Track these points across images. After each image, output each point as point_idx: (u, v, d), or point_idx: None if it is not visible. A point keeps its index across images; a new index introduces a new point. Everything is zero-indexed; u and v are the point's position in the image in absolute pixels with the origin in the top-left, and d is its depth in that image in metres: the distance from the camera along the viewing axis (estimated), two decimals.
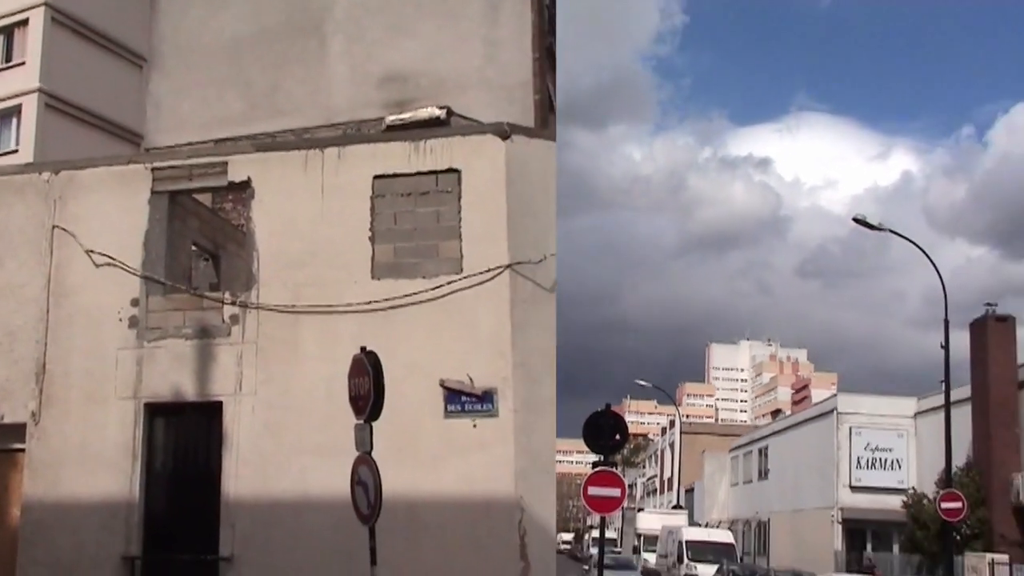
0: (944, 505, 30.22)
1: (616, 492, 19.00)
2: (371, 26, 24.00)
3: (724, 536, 47.35)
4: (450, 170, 16.58)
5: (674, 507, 66.09)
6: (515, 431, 15.50)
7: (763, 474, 58.77)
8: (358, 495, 12.40)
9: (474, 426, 15.51)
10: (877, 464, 45.55)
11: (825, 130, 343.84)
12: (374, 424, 12.44)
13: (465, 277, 16.05)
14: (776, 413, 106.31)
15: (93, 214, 17.55)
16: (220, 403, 16.29)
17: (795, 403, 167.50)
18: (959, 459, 35.63)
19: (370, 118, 20.25)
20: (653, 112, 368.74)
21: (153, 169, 17.54)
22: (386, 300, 16.02)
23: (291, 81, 24.20)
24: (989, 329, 38.21)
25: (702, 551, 42.70)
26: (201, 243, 20.34)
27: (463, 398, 15.61)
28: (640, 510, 63.26)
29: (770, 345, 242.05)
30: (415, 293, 16.03)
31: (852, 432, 45.74)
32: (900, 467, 45.08)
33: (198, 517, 16.04)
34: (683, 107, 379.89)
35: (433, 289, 16.03)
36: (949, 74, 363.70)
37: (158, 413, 16.76)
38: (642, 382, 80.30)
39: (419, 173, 16.64)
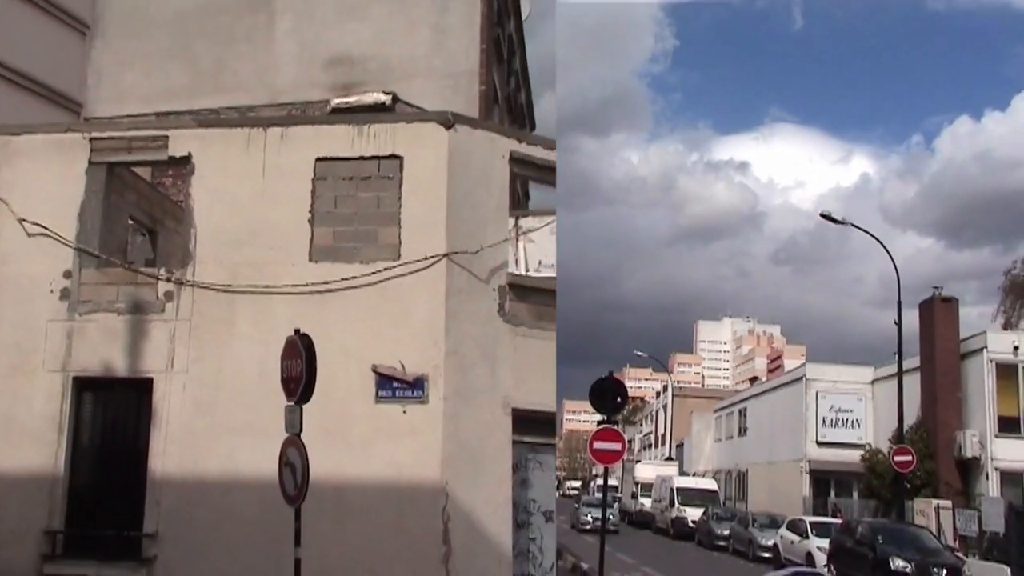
0: (897, 459, 35.61)
1: (617, 446, 21.18)
2: (321, 6, 23.88)
3: (709, 484, 54.05)
4: (392, 156, 16.64)
5: (666, 459, 74.28)
6: (444, 419, 15.64)
7: (742, 431, 63.90)
8: (285, 476, 12.46)
9: (404, 412, 15.63)
10: (839, 423, 50.07)
11: (795, 138, 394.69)
12: (305, 406, 12.51)
13: (402, 264, 16.14)
14: (754, 380, 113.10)
15: (28, 182, 17.30)
16: (151, 380, 16.21)
17: (770, 371, 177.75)
18: (910, 419, 40.16)
19: (315, 100, 20.18)
20: (648, 122, 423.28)
21: (92, 139, 17.35)
22: (323, 283, 16.06)
23: (237, 58, 24.00)
24: (936, 309, 42.70)
25: (690, 497, 48.82)
26: (138, 217, 20.21)
27: (394, 384, 15.72)
28: (637, 462, 67.94)
29: (749, 322, 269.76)
30: (352, 278, 16.09)
31: (818, 396, 50.60)
32: (859, 426, 49.60)
33: (123, 493, 15.96)
34: (673, 118, 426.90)
35: (370, 275, 16.10)
36: (902, 90, 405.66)
37: (87, 387, 16.63)
38: (639, 353, 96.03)
39: (362, 158, 16.68)
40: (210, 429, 15.84)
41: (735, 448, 64.96)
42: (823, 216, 38.21)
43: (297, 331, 12.78)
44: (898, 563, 25.59)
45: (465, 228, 16.50)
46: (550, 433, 17.41)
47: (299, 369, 12.51)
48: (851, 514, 41.04)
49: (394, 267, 16.13)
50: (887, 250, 37.40)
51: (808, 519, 35.98)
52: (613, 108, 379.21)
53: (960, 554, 29.77)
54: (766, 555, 35.81)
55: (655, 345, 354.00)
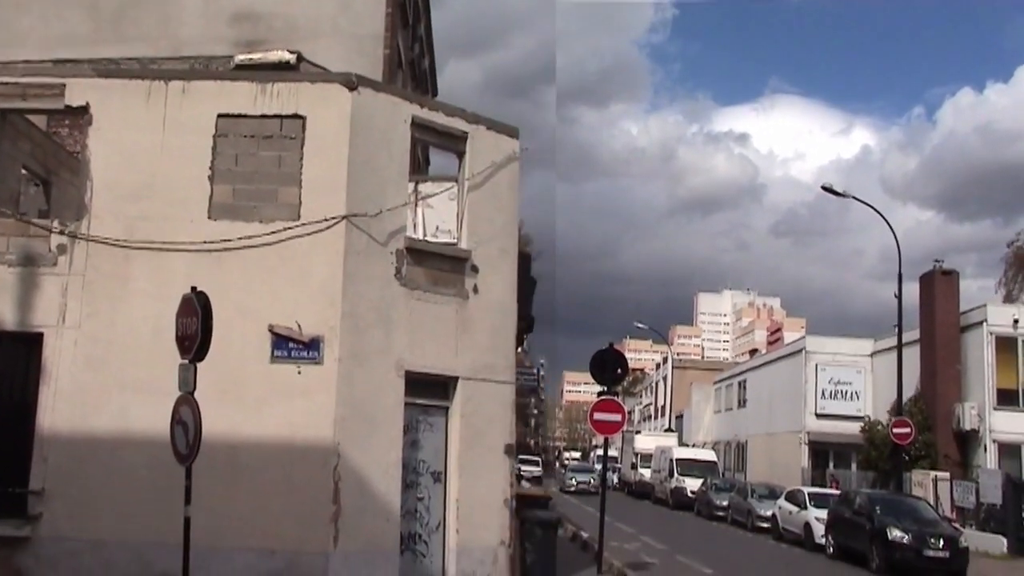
0: (895, 430, 36.38)
1: (617, 417, 21.48)
2: None
3: (708, 455, 54.77)
4: (295, 116, 16.49)
5: (666, 430, 74.75)
6: (338, 379, 15.67)
7: (742, 403, 64.61)
8: (177, 435, 12.39)
9: (299, 372, 15.61)
10: (839, 395, 50.92)
11: (795, 109, 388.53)
12: (199, 365, 12.43)
13: (302, 224, 16.05)
14: (753, 352, 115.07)
15: None
16: (41, 334, 15.86)
17: (770, 343, 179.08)
18: (909, 392, 40.49)
19: (219, 55, 19.84)
20: (648, 93, 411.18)
21: None
22: (221, 241, 15.90)
23: (140, 7, 23.38)
24: (936, 281, 42.94)
25: (689, 467, 49.67)
26: (32, 167, 19.73)
27: (290, 344, 15.67)
28: (637, 432, 68.37)
29: (749, 294, 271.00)
30: (251, 236, 15.95)
31: (818, 368, 51.33)
32: (858, 398, 50.52)
33: (9, 449, 15.62)
34: (673, 89, 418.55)
35: (269, 234, 15.98)
36: (904, 61, 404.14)
37: None
38: (639, 324, 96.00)
39: (264, 116, 16.49)
40: (101, 386, 15.62)
41: (734, 419, 65.35)
42: (824, 188, 38.07)
43: (193, 289, 12.67)
44: (895, 533, 25.83)
45: (365, 190, 16.46)
46: (442, 396, 17.51)
47: (194, 327, 12.41)
48: (849, 485, 41.28)
49: (293, 227, 16.03)
50: (888, 223, 37.19)
51: (806, 490, 35.91)
52: (612, 78, 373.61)
53: (957, 525, 30.19)
54: (764, 525, 35.94)
55: (656, 317, 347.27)
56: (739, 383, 65.99)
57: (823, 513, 30.90)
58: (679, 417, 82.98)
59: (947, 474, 36.61)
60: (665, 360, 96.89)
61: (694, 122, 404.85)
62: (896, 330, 37.82)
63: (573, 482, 60.33)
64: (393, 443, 16.28)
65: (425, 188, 19.57)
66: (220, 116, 16.47)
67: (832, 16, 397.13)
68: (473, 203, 18.03)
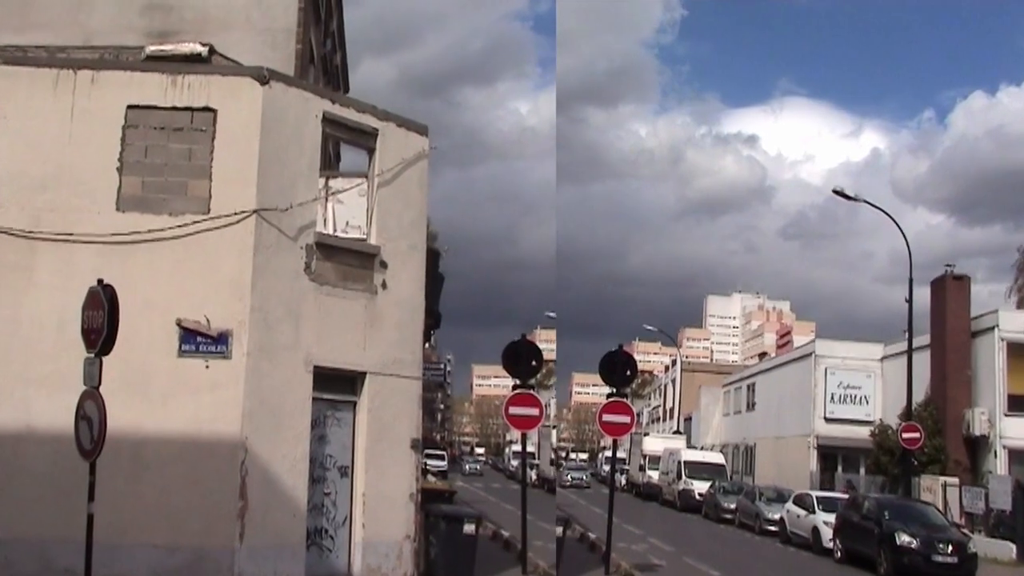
0: (905, 435, 35.48)
1: (626, 419, 21.37)
2: None
3: (716, 458, 53.59)
4: (206, 109, 16.20)
5: (674, 433, 73.06)
6: (246, 374, 15.42)
7: (751, 406, 63.93)
8: (81, 430, 12.05)
9: (207, 367, 15.32)
10: (848, 399, 50.25)
11: (805, 111, 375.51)
12: (105, 359, 12.11)
13: (212, 218, 15.76)
14: (763, 355, 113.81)
15: None
16: None
17: (779, 347, 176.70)
18: (919, 396, 39.77)
19: (130, 45, 19.31)
20: (656, 94, 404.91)
21: None
22: (129, 234, 15.53)
23: None
24: (948, 286, 42.25)
25: (698, 470, 48.45)
26: None
27: (198, 338, 15.37)
28: (646, 435, 66.61)
29: (758, 297, 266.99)
30: (160, 229, 15.61)
31: (827, 372, 50.61)
32: (868, 402, 49.79)
33: None
34: (682, 90, 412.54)
35: (178, 227, 15.65)
36: (914, 63, 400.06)
37: None
38: (648, 327, 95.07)
39: (175, 108, 16.17)
40: (3, 380, 15.11)
41: (743, 422, 64.56)
42: (836, 192, 37.53)
43: (100, 281, 12.34)
44: (904, 538, 25.33)
45: (276, 185, 16.21)
46: (350, 390, 17.35)
47: (100, 320, 12.08)
48: (858, 490, 40.51)
49: (203, 220, 15.72)
50: (899, 227, 36.65)
51: (815, 493, 35.07)
52: (620, 79, 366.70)
53: (966, 531, 29.70)
54: (772, 529, 35.33)
55: (665, 319, 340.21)
56: (748, 386, 65.24)
57: (831, 517, 30.28)
58: (688, 420, 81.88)
59: (956, 479, 36.07)
60: (674, 362, 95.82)
61: (703, 124, 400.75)
62: (907, 335, 37.27)
63: (569, 478, 67.33)
64: (301, 438, 16.07)
65: (336, 184, 19.35)
66: (130, 107, 16.10)
67: (842, 17, 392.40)
68: (383, 199, 17.88)
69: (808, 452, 50.14)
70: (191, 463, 15.06)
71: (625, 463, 62.85)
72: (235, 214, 15.77)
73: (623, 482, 60.47)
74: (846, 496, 33.64)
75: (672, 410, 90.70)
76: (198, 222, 15.68)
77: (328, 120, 17.15)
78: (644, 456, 58.71)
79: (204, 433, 15.11)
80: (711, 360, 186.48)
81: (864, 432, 46.05)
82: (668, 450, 54.71)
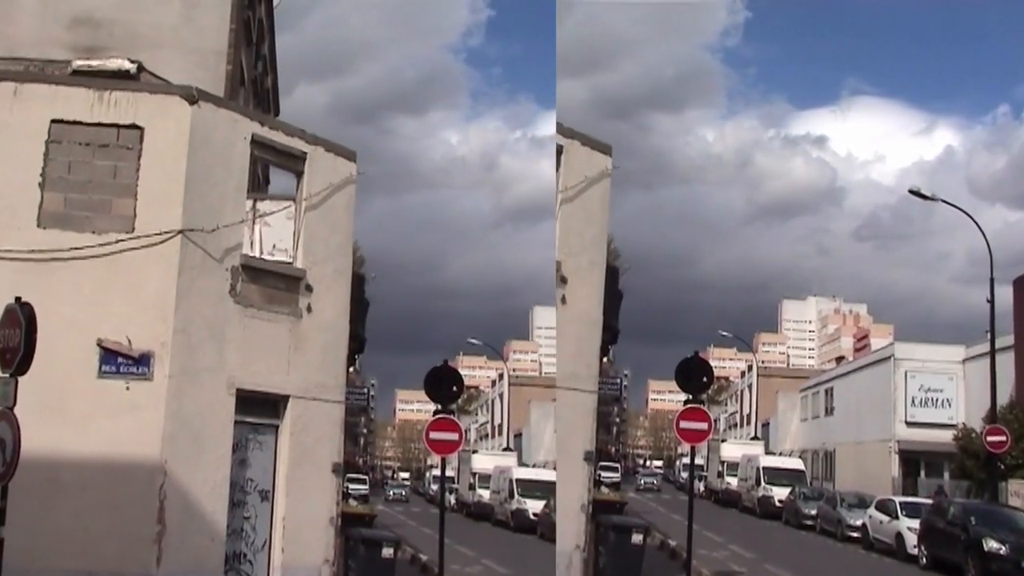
0: (990, 439, 33.75)
1: (703, 426, 20.50)
2: None
3: (796, 463, 51.60)
4: (133, 126, 15.81)
5: (752, 439, 71.16)
6: (167, 396, 15.00)
7: (829, 411, 62.05)
8: None
9: (127, 388, 14.86)
10: (929, 403, 48.87)
11: (875, 110, 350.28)
12: (21, 379, 11.59)
13: (136, 237, 15.33)
14: (840, 359, 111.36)
15: None
16: None
17: (856, 350, 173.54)
18: (1003, 399, 38.06)
19: (56, 59, 18.79)
20: (723, 98, 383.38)
21: None
22: (50, 251, 15.02)
23: None
24: None
25: (777, 476, 46.90)
26: None
27: (119, 359, 14.91)
28: (723, 441, 64.76)
29: (834, 300, 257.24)
30: (82, 247, 15.14)
31: (907, 375, 49.29)
32: (950, 406, 48.37)
33: None
34: (748, 93, 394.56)
35: (101, 245, 15.19)
36: (987, 58, 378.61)
37: None
38: (723, 332, 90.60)
39: (101, 124, 15.76)
40: None
41: (822, 427, 62.90)
42: (912, 192, 36.09)
43: (18, 299, 11.81)
44: (992, 544, 24.17)
45: (202, 205, 15.83)
46: (273, 414, 16.97)
47: (17, 339, 11.55)
48: (947, 495, 39.21)
49: (127, 239, 15.27)
50: (978, 225, 34.90)
51: (898, 499, 33.63)
52: (686, 84, 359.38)
53: None
54: (855, 535, 33.98)
55: (739, 324, 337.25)
56: (826, 391, 63.64)
57: (915, 523, 28.96)
58: (765, 425, 79.89)
59: None
60: (750, 368, 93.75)
61: (771, 127, 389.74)
62: (989, 336, 36.09)
63: (642, 483, 70.43)
64: (221, 461, 15.66)
65: (263, 206, 19.00)
66: (54, 121, 15.63)
67: (910, 13, 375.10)
68: (310, 223, 17.58)
69: (889, 457, 48.78)
70: (109, 487, 14.55)
71: (703, 470, 60.87)
72: (160, 234, 15.35)
73: (701, 489, 58.46)
74: (930, 501, 32.36)
75: (749, 416, 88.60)
76: (122, 240, 15.23)
77: (257, 142, 16.82)
78: (722, 462, 57.07)
79: (123, 456, 14.61)
80: (787, 365, 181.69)
81: (947, 436, 44.66)
82: (746, 456, 53.05)
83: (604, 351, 21.06)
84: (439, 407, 20.69)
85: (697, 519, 22.35)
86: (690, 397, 21.11)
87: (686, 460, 58.11)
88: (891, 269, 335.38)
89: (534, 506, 43.53)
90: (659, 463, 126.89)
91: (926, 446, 47.59)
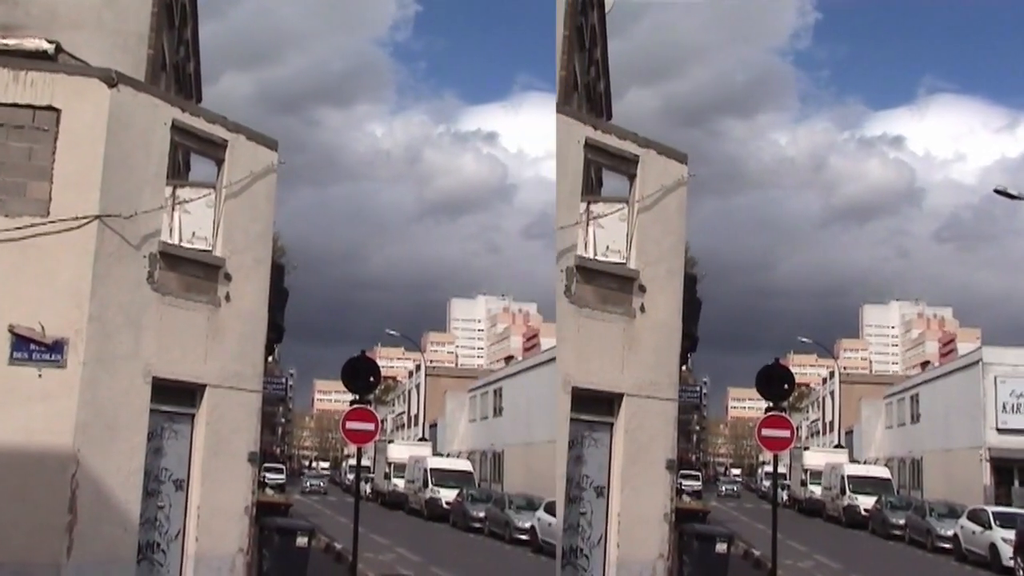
0: None
1: (786, 433, 20.62)
2: None
3: (881, 472, 50.99)
4: (49, 108, 15.36)
5: (835, 447, 69.81)
6: (81, 384, 14.67)
7: (915, 418, 60.45)
8: None
9: (39, 376, 14.50)
10: (1021, 409, 47.54)
11: (954, 108, 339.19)
12: None
13: (51, 222, 14.93)
14: (925, 364, 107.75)
15: None
16: None
17: (942, 356, 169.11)
18: None
19: None
20: (795, 101, 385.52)
21: None
22: None
23: None
24: None
25: (862, 484, 45.90)
26: None
27: (31, 346, 14.53)
28: (806, 449, 63.38)
29: (917, 304, 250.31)
30: None
31: (997, 381, 47.87)
32: None
33: None
34: (821, 96, 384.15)
35: (15, 230, 14.77)
36: None
37: None
38: (803, 339, 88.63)
39: (16, 105, 15.26)
40: None
41: (908, 435, 61.54)
42: (997, 192, 34.91)
43: None
44: None
45: (120, 191, 15.51)
46: (189, 403, 16.75)
47: None
48: None
49: (41, 224, 14.87)
50: None
51: (991, 509, 32.69)
52: (758, 88, 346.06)
53: None
54: (945, 545, 33.15)
55: (819, 330, 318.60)
56: (911, 397, 62.15)
57: (1010, 534, 28.37)
58: (848, 433, 78.68)
59: None
60: (832, 374, 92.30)
61: (845, 128, 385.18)
62: None
63: (723, 489, 74.02)
64: (136, 450, 15.40)
65: (183, 193, 18.63)
66: None
67: (986, 6, 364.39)
68: (230, 212, 17.36)
69: (980, 465, 47.27)
70: (18, 475, 14.17)
71: (786, 478, 58.76)
72: (76, 219, 14.99)
73: (784, 498, 56.74)
74: None
75: (832, 423, 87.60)
76: (36, 225, 14.83)
77: (177, 128, 16.53)
78: (805, 471, 56.14)
79: (34, 444, 14.26)
80: (870, 371, 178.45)
81: None
82: (830, 464, 52.23)
83: (683, 359, 20.98)
84: (356, 397, 20.73)
85: (781, 528, 22.32)
86: (771, 405, 21.23)
87: (768, 468, 57.18)
88: (976, 271, 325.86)
89: (447, 495, 43.81)
90: (737, 471, 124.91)
91: (1019, 453, 46.76)
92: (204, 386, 16.73)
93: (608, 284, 17.52)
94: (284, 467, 70.95)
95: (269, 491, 32.69)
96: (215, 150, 17.32)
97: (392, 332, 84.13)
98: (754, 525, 39.97)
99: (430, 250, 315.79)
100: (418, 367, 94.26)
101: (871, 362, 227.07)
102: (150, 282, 15.84)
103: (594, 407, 17.41)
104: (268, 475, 50.67)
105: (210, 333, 16.79)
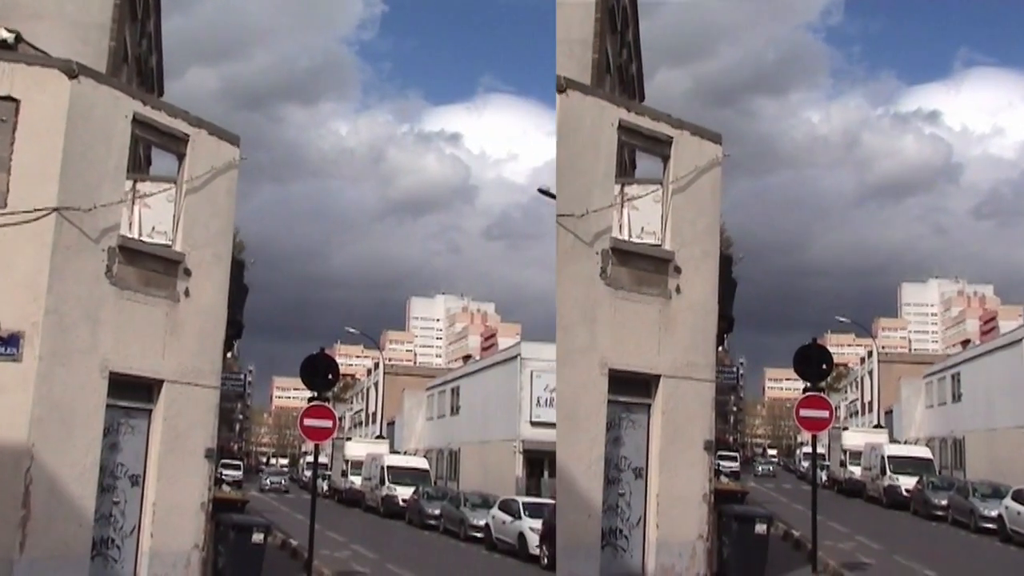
0: None
1: (824, 414, 20.79)
2: None
3: (922, 452, 49.72)
4: (8, 98, 15.22)
5: (875, 427, 68.36)
6: (37, 378, 14.51)
7: (956, 397, 58.95)
8: None
9: None
10: None
11: (991, 81, 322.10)
12: None
13: (9, 213, 14.78)
14: (966, 343, 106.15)
15: None
16: None
17: (983, 333, 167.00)
18: None
19: None
20: (826, 78, 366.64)
21: None
22: None
23: None
24: None
25: (902, 465, 45.21)
26: None
27: None
28: (844, 429, 61.38)
29: (957, 282, 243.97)
30: None
31: None
32: None
33: None
34: (853, 72, 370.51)
35: None
36: None
37: None
38: (841, 318, 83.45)
39: None
40: None
41: (949, 414, 59.62)
42: None
43: None
44: None
45: (79, 183, 15.36)
46: (146, 398, 16.59)
47: None
48: None
49: None
50: None
51: None
52: (789, 67, 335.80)
53: None
54: (989, 526, 32.31)
55: (856, 309, 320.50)
56: (952, 376, 60.05)
57: None
58: (888, 413, 76.95)
59: None
60: (870, 354, 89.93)
61: (879, 104, 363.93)
62: None
63: (760, 469, 75.87)
64: (91, 445, 15.25)
65: (143, 187, 18.46)
66: None
67: None
68: (190, 206, 17.25)
69: None
70: None
71: (824, 458, 56.93)
72: (34, 211, 14.83)
73: (824, 478, 55.08)
74: None
75: (870, 403, 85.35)
76: None
77: (138, 121, 16.39)
78: (843, 451, 54.71)
79: None
80: (909, 350, 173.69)
81: None
82: (870, 445, 51.05)
83: (720, 340, 20.94)
84: (314, 394, 20.64)
85: (821, 509, 22.09)
86: (809, 385, 21.15)
87: (807, 449, 55.10)
88: (1017, 247, 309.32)
89: (404, 493, 43.39)
90: (774, 452, 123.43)
91: None
92: (162, 382, 16.59)
93: (643, 266, 17.56)
94: (241, 464, 70.44)
95: (226, 488, 32.40)
96: (176, 144, 17.17)
97: (351, 330, 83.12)
98: (793, 506, 39.61)
99: (391, 249, 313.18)
100: (377, 365, 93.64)
101: (910, 341, 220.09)
102: (108, 276, 15.68)
103: (631, 389, 17.46)
104: (225, 471, 50.30)
105: (168, 328, 16.64)
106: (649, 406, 17.77)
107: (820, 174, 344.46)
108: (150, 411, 16.64)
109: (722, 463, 40.69)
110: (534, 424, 47.93)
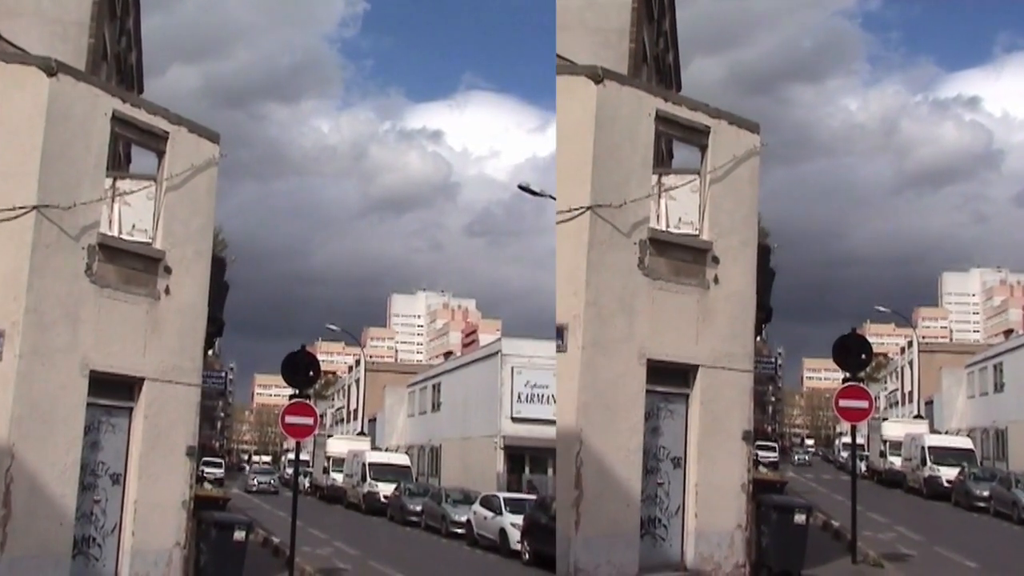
0: None
1: (864, 404, 20.79)
2: None
3: (964, 442, 48.95)
4: None
5: (915, 417, 66.42)
6: (17, 377, 14.44)
7: (999, 387, 58.74)
8: None
9: None
10: None
11: None
12: None
13: None
14: (1008, 333, 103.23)
15: None
16: None
17: None
18: None
19: None
20: (864, 64, 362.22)
21: None
22: None
23: None
24: None
25: (944, 455, 44.34)
26: None
27: None
28: (884, 420, 60.29)
29: (999, 271, 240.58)
30: None
31: None
32: None
33: None
34: (891, 58, 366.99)
35: None
36: None
37: None
38: (880, 308, 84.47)
39: None
40: None
41: (991, 405, 59.33)
42: None
43: None
44: None
45: (59, 181, 15.30)
46: (127, 396, 16.53)
47: None
48: None
49: None
50: None
51: None
52: (825, 54, 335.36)
53: None
54: None
55: (896, 298, 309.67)
56: (994, 366, 59.57)
57: None
58: (928, 403, 75.59)
59: None
60: (910, 344, 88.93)
61: (917, 91, 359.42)
62: None
63: (797, 458, 75.79)
64: (72, 444, 15.18)
65: (123, 185, 18.42)
66: None
67: None
68: (170, 204, 17.19)
69: None
70: None
71: (864, 449, 55.77)
72: (13, 209, 14.76)
73: (863, 469, 54.12)
74: None
75: (911, 394, 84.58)
76: None
77: (118, 119, 16.32)
78: (884, 441, 53.87)
79: None
80: (950, 340, 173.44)
81: None
82: (910, 435, 50.25)
83: (758, 330, 20.91)
84: (296, 392, 20.62)
85: (860, 500, 22.04)
86: (848, 375, 21.08)
87: (846, 439, 54.13)
88: None
89: (385, 489, 43.29)
90: (811, 442, 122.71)
91: None
92: (142, 380, 16.53)
93: (681, 256, 17.58)
94: (223, 461, 70.23)
95: (207, 485, 32.34)
96: (156, 142, 17.12)
97: (333, 327, 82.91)
98: (832, 496, 39.23)
99: (373, 246, 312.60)
100: (358, 362, 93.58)
101: (951, 331, 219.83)
102: (88, 274, 15.61)
103: (669, 379, 17.51)
104: (206, 469, 50.14)
105: (149, 326, 16.59)
106: (687, 396, 17.83)
107: (858, 162, 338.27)
108: (131, 409, 16.59)
109: (760, 453, 40.31)
110: (515, 420, 47.88)
